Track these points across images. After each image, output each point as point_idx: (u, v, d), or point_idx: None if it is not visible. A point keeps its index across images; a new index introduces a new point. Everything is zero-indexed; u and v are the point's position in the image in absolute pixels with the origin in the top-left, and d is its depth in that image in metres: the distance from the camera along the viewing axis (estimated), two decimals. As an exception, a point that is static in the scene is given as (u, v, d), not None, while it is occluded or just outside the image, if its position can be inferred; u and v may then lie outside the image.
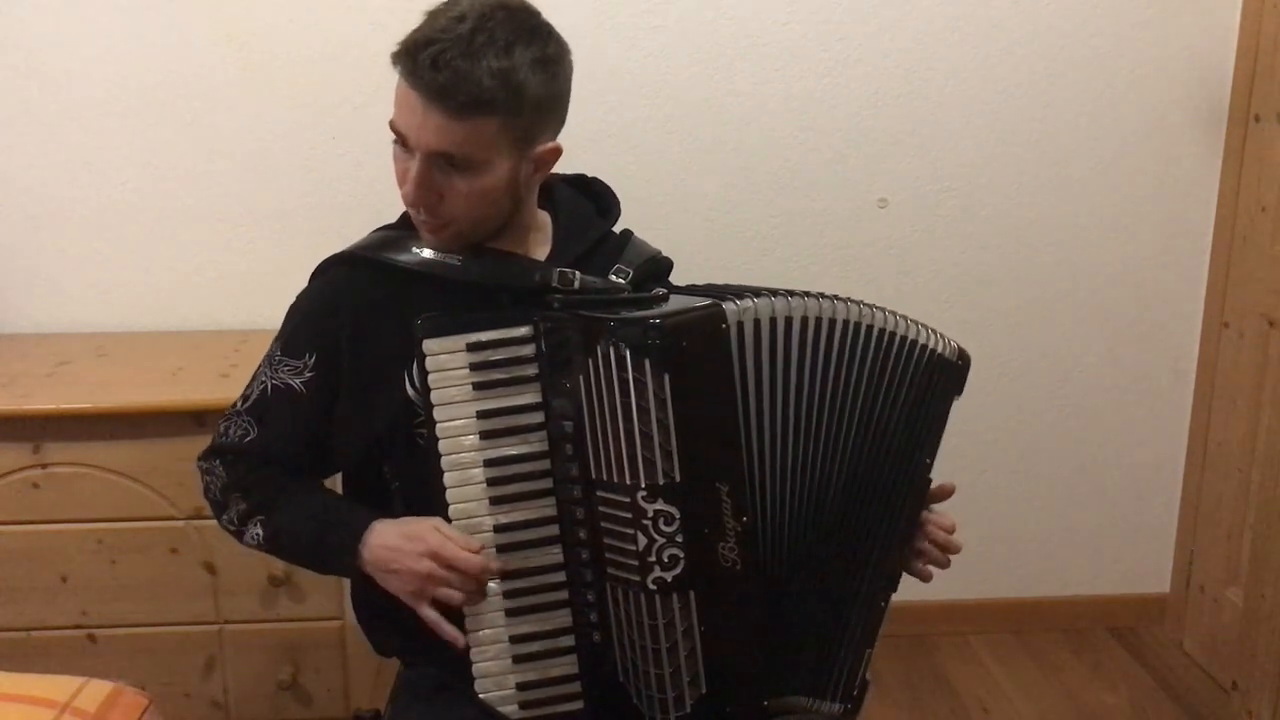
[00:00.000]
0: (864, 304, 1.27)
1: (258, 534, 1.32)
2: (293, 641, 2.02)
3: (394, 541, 1.24)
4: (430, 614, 1.24)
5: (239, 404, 1.36)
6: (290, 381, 1.31)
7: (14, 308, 2.30)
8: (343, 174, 2.28)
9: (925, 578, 1.36)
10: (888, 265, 2.43)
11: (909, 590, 2.73)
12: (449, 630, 1.24)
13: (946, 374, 1.29)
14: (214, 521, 1.39)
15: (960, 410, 2.50)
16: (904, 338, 1.27)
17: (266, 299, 2.29)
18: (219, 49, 2.22)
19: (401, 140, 1.23)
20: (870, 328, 1.26)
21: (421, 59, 1.16)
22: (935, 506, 1.36)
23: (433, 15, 1.21)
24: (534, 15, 1.24)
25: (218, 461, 1.36)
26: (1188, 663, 2.54)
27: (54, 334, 2.28)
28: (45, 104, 2.21)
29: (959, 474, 2.62)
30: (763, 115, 2.34)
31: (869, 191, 2.40)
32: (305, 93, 2.24)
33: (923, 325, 1.29)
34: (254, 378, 1.36)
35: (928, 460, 1.29)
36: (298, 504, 1.32)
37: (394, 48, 1.20)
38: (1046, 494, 2.61)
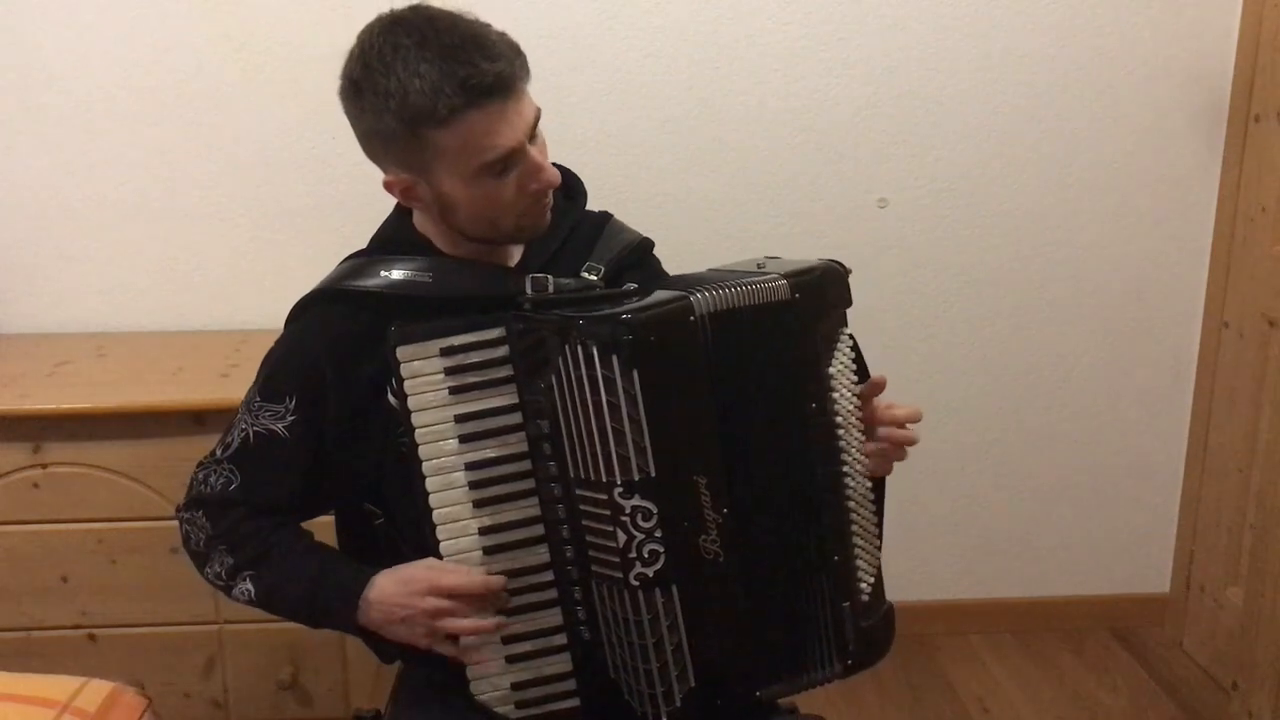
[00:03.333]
0: (755, 277, 1.24)
1: (248, 590, 1.30)
2: (293, 641, 2.02)
3: (392, 590, 1.24)
4: (450, 649, 1.24)
5: (218, 452, 1.33)
6: (272, 427, 1.29)
7: (14, 308, 2.30)
8: (343, 173, 2.28)
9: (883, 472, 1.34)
10: (888, 265, 2.44)
11: (909, 590, 2.74)
12: (473, 657, 1.24)
13: (786, 319, 1.24)
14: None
15: (962, 410, 2.52)
16: (772, 304, 1.23)
17: (266, 299, 2.29)
18: (219, 49, 2.22)
19: (507, 159, 1.20)
20: (774, 304, 1.23)
21: (482, 70, 1.15)
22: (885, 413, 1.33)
23: (416, 49, 1.16)
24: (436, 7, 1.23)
25: (200, 512, 1.33)
26: (1188, 663, 2.54)
27: (54, 334, 2.28)
28: (45, 104, 2.22)
29: (961, 474, 2.64)
30: (763, 115, 2.34)
31: (869, 191, 2.40)
32: (306, 92, 2.24)
33: (759, 280, 1.24)
34: (232, 425, 1.33)
35: (813, 405, 1.25)
36: (290, 562, 1.30)
37: (438, 108, 1.15)
38: (1046, 494, 2.61)
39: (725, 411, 1.22)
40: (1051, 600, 2.67)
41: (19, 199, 2.26)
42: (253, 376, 1.35)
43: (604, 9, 2.25)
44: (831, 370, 1.27)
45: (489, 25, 1.20)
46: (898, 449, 1.33)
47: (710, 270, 1.33)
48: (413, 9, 1.21)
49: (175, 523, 1.91)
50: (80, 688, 1.38)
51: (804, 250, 2.38)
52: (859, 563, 1.30)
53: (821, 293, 1.27)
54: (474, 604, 1.22)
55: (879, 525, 1.34)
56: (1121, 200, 2.45)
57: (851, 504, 1.29)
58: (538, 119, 1.23)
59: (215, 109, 2.24)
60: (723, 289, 1.21)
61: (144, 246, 2.30)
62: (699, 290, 1.21)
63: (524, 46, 1.23)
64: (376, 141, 1.24)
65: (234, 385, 1.89)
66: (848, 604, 1.28)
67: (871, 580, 1.31)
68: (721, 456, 1.21)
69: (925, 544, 2.60)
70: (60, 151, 2.24)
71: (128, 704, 1.39)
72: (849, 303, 1.31)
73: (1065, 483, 2.61)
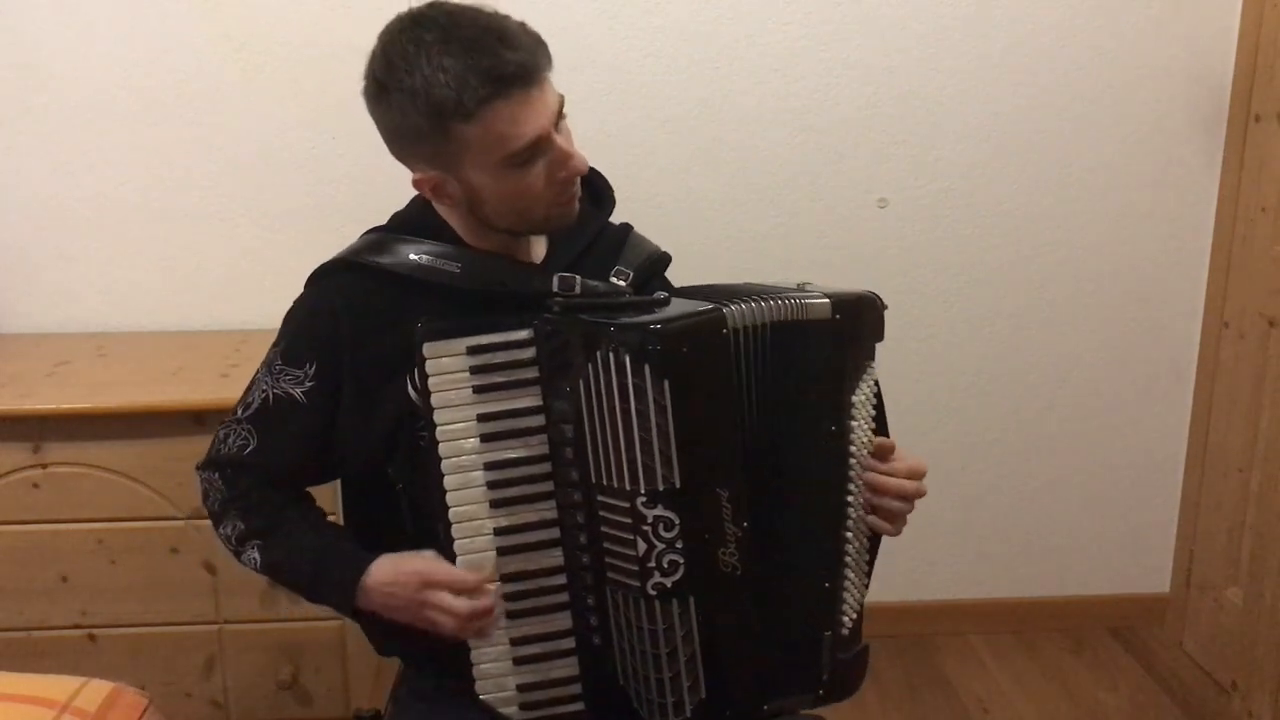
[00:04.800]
0: (775, 293, 1.24)
1: (255, 558, 1.32)
2: (293, 641, 2.02)
3: (389, 578, 1.25)
4: (449, 632, 1.24)
5: (239, 411, 1.34)
6: (291, 391, 1.30)
7: (14, 308, 2.30)
8: (343, 174, 2.28)
9: (889, 532, 1.32)
10: (888, 265, 2.43)
11: (909, 590, 2.74)
12: (475, 635, 1.24)
13: (822, 336, 1.25)
14: (214, 522, 1.38)
15: (962, 410, 2.52)
16: (799, 321, 1.24)
17: (266, 299, 2.29)
18: (219, 49, 2.22)
19: (534, 147, 1.20)
20: (790, 322, 1.24)
21: (504, 60, 1.15)
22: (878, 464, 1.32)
23: (439, 44, 1.16)
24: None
25: (216, 474, 1.34)
26: (1188, 663, 2.54)
27: (54, 334, 2.28)
28: (45, 104, 2.22)
29: (961, 474, 2.64)
30: (763, 115, 2.34)
31: (869, 191, 2.40)
32: (305, 92, 2.24)
33: (793, 296, 1.24)
34: (253, 385, 1.34)
35: (833, 427, 1.26)
36: (297, 537, 1.31)
37: (464, 100, 1.15)
38: (1046, 494, 2.61)
39: (751, 424, 1.22)
40: (1051, 600, 2.67)
41: (19, 199, 2.26)
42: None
43: (604, 9, 2.26)
44: (854, 399, 1.27)
45: (508, 17, 1.21)
46: (906, 503, 1.31)
47: (746, 284, 1.32)
48: (431, 5, 1.21)
49: (175, 523, 1.93)
50: (80, 688, 1.37)
51: (804, 250, 2.41)
52: (845, 595, 1.29)
53: (859, 319, 1.27)
54: (468, 603, 1.21)
55: (870, 565, 1.33)
56: (1121, 200, 2.45)
57: (849, 534, 1.29)
58: (562, 106, 1.23)
59: (215, 109, 2.24)
60: (757, 303, 1.21)
61: (144, 246, 2.30)
62: (733, 303, 1.21)
63: (524, 46, 1.23)
64: (403, 139, 1.24)
65: (234, 385, 1.88)
66: (828, 633, 1.28)
67: (854, 616, 1.30)
68: (744, 469, 1.21)
69: (925, 544, 2.60)
70: (60, 151, 2.24)
71: (128, 704, 1.39)
72: (880, 337, 1.30)
73: (1065, 483, 2.61)
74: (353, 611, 1.29)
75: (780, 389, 1.23)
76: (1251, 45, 2.31)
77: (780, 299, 1.23)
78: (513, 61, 1.16)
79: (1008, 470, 2.59)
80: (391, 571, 1.25)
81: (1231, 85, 2.38)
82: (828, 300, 1.24)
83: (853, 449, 1.27)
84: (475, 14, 1.19)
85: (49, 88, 2.21)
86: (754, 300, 1.22)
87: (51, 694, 1.35)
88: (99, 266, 2.30)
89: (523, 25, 1.21)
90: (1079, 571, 2.67)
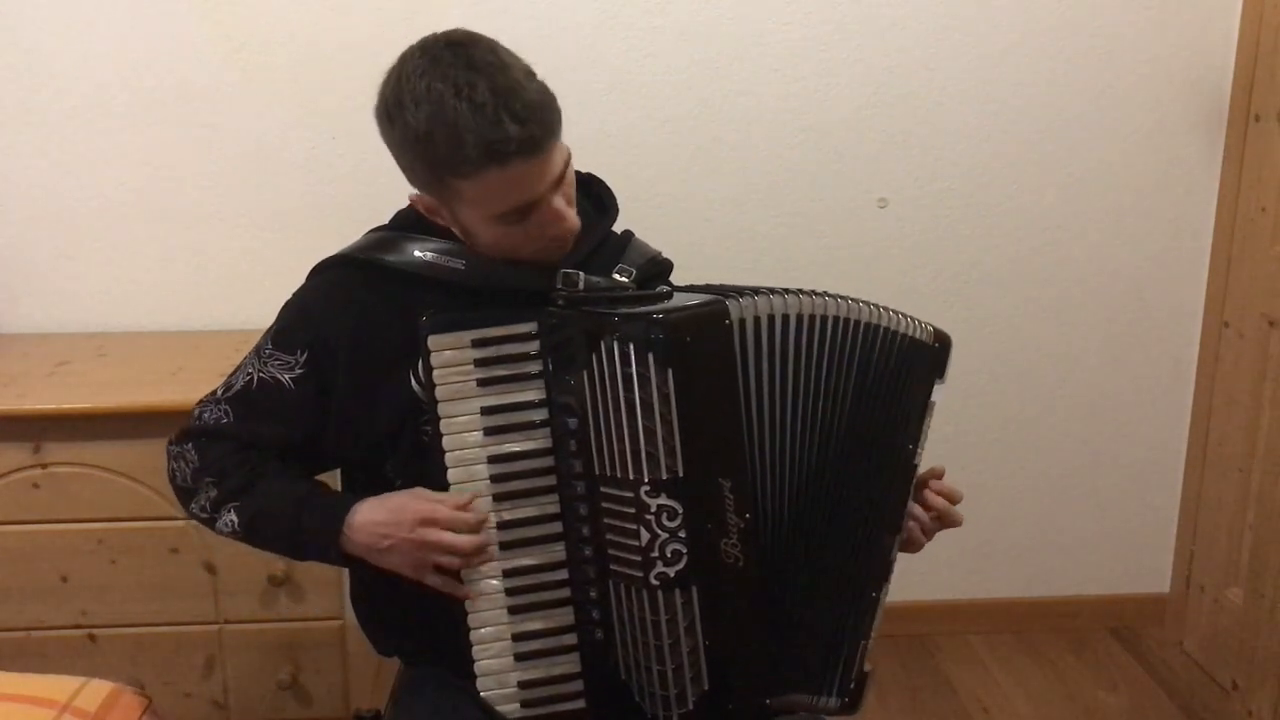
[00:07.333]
0: (850, 298, 1.28)
1: (232, 520, 1.29)
2: (293, 641, 2.02)
3: (380, 517, 1.23)
4: (435, 580, 1.24)
5: (219, 392, 1.33)
6: (280, 376, 1.29)
7: (14, 308, 2.30)
8: (343, 174, 2.28)
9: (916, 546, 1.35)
10: (888, 265, 2.43)
11: (909, 590, 2.74)
12: (461, 590, 1.24)
13: (923, 358, 1.30)
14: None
15: (962, 410, 2.52)
16: (885, 329, 1.28)
17: (266, 299, 2.27)
18: (218, 49, 2.22)
19: (525, 209, 1.20)
20: (858, 322, 1.27)
21: (507, 135, 1.13)
22: (936, 484, 1.36)
23: (449, 98, 1.14)
24: (484, 39, 1.21)
25: (190, 445, 1.32)
26: (1188, 663, 2.54)
27: (54, 334, 2.28)
28: (45, 104, 2.21)
29: (960, 474, 2.62)
30: (763, 115, 2.34)
31: (869, 191, 2.40)
32: (305, 93, 2.24)
33: (902, 314, 1.30)
34: (239, 369, 1.33)
35: (910, 446, 1.28)
36: (275, 488, 1.29)
37: (461, 165, 1.15)
38: (1046, 494, 2.61)
39: (764, 416, 1.23)
40: (1051, 600, 2.67)
41: (19, 199, 2.25)
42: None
43: (604, 9, 2.25)
44: (924, 426, 1.29)
45: (530, 73, 1.19)
46: (946, 520, 1.36)
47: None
48: (451, 44, 1.18)
49: (175, 523, 1.93)
50: (80, 688, 1.37)
51: (804, 250, 2.41)
52: (879, 610, 1.31)
53: (946, 353, 1.31)
54: (465, 541, 1.21)
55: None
56: (1121, 200, 2.45)
57: (894, 551, 1.31)
58: (567, 163, 1.22)
59: (215, 109, 2.24)
60: (771, 296, 1.22)
61: (144, 246, 2.30)
62: (741, 295, 1.22)
63: (524, 45, 1.22)
64: (404, 167, 1.24)
65: (234, 385, 1.89)
66: (865, 642, 1.29)
67: (873, 637, 1.31)
68: (748, 461, 1.22)
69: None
70: (60, 151, 2.24)
71: (128, 704, 1.39)
72: (944, 378, 1.33)
73: (1065, 482, 2.61)
74: (341, 558, 1.26)
75: (886, 402, 1.26)
76: (1251, 45, 2.31)
77: (909, 317, 1.28)
78: (515, 139, 1.14)
79: (1007, 470, 2.59)
80: (379, 509, 1.24)
81: (1231, 85, 2.38)
82: (931, 328, 1.30)
83: (917, 471, 1.30)
84: (493, 68, 1.16)
85: (49, 88, 2.21)
86: (766, 294, 1.23)
87: (51, 694, 1.35)
88: (99, 266, 2.30)
89: (541, 88, 1.18)
90: (1079, 571, 2.67)
